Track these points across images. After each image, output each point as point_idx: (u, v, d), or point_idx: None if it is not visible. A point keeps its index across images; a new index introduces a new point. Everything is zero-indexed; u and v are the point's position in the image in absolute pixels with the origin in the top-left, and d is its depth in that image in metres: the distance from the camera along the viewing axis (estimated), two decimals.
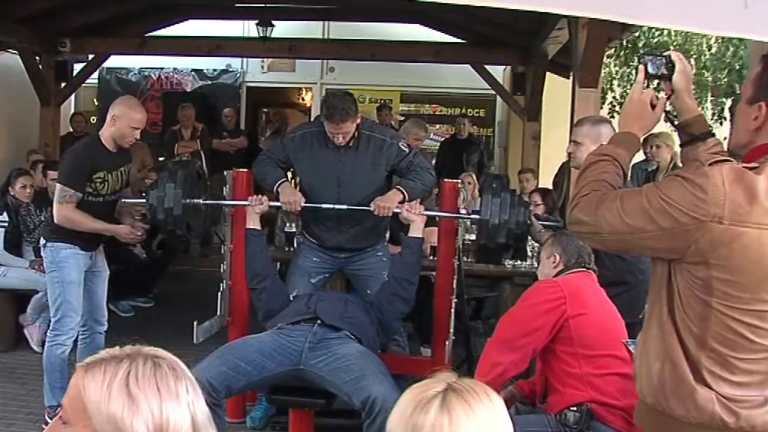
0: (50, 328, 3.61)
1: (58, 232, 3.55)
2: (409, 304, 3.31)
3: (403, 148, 3.54)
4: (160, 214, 3.37)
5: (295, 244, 4.70)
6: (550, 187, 6.22)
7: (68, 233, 3.53)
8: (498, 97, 8.48)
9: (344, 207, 3.46)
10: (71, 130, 8.12)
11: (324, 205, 3.49)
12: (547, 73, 7.17)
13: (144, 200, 3.46)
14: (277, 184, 3.55)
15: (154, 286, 6.48)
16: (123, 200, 3.69)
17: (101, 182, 3.55)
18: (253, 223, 3.44)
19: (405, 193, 3.45)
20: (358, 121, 3.43)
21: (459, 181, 3.73)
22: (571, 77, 5.18)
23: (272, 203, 3.50)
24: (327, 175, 3.51)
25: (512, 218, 3.27)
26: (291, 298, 3.41)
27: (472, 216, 3.50)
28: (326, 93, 3.56)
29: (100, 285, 3.73)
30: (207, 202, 3.58)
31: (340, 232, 3.60)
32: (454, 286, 3.55)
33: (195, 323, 3.46)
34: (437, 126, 9.78)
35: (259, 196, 3.50)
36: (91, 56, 7.89)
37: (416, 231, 3.38)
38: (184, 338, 3.47)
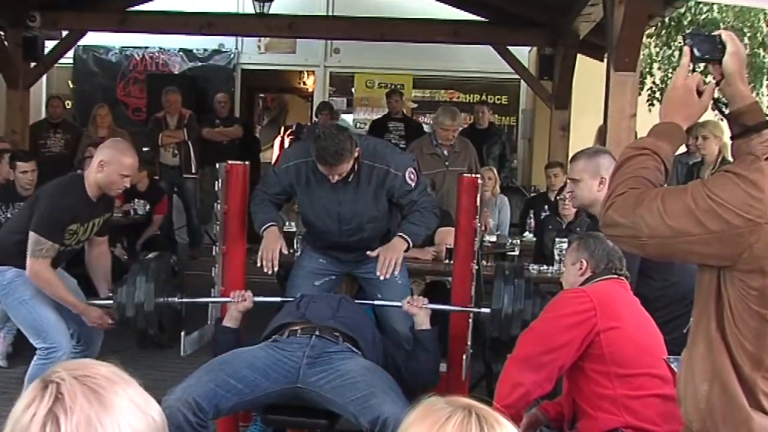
0: (38, 353, 3.57)
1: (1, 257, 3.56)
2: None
3: (409, 182, 3.52)
4: (130, 310, 3.33)
5: (296, 245, 4.71)
6: None
7: (9, 258, 3.54)
8: (522, 82, 8.46)
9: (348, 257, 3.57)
10: (46, 115, 8.15)
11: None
12: (579, 55, 7.15)
13: (110, 301, 3.47)
14: (263, 228, 3.54)
15: None
16: (89, 301, 3.66)
17: (71, 235, 3.53)
18: (230, 321, 3.40)
19: (408, 241, 3.50)
20: (356, 155, 3.37)
21: (478, 176, 3.69)
22: (606, 60, 5.16)
23: (257, 299, 3.45)
24: (326, 213, 3.54)
25: (527, 309, 3.24)
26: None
27: (482, 310, 3.44)
28: (318, 130, 3.46)
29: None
30: (183, 300, 3.56)
31: (345, 253, 3.69)
32: (472, 293, 3.54)
33: (182, 333, 3.45)
34: None
35: (242, 292, 3.43)
36: (65, 33, 7.90)
37: (423, 324, 3.36)
38: (170, 350, 3.48)
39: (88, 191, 3.52)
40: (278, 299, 3.70)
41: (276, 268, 3.50)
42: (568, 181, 3.16)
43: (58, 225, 3.46)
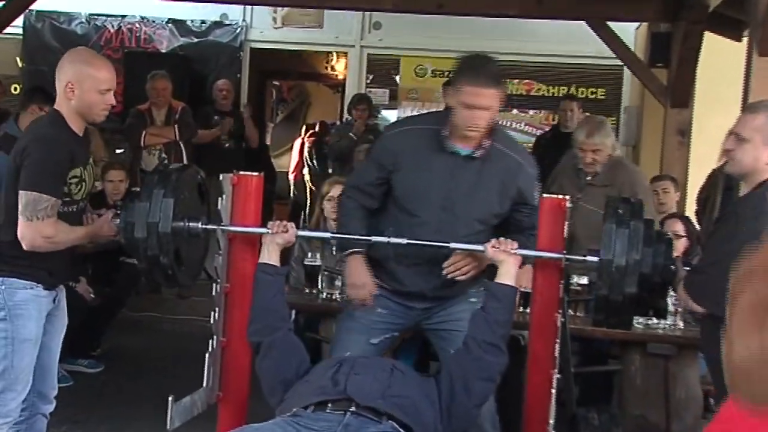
0: None
1: (16, 262, 3.60)
2: (494, 381, 3.34)
3: (536, 196, 3.72)
4: (140, 230, 3.43)
5: (321, 283, 4.78)
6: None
7: (30, 263, 3.59)
8: (626, 70, 8.48)
9: (449, 245, 3.59)
10: None
11: (395, 240, 3.64)
12: (706, 34, 7.13)
13: (116, 219, 3.61)
14: (346, 253, 3.76)
15: (100, 341, 6.59)
16: (87, 214, 3.82)
17: (77, 183, 3.64)
18: (270, 255, 3.56)
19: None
20: (497, 111, 3.60)
21: (566, 198, 3.74)
22: (746, 40, 5.14)
23: (303, 233, 3.61)
24: (432, 189, 3.68)
25: (647, 259, 3.27)
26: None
27: (588, 258, 3.51)
28: (463, 60, 3.65)
29: (55, 338, 3.81)
30: (208, 226, 3.67)
31: (429, 273, 3.72)
32: (556, 353, 3.55)
33: (170, 399, 3.52)
34: (531, 113, 9.80)
35: (284, 222, 3.60)
36: None
37: (507, 276, 3.44)
38: (152, 422, 3.54)
39: (71, 124, 3.62)
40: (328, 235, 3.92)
41: (370, 301, 3.73)
42: (731, 137, 3.16)
43: (58, 171, 3.54)
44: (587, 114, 8.50)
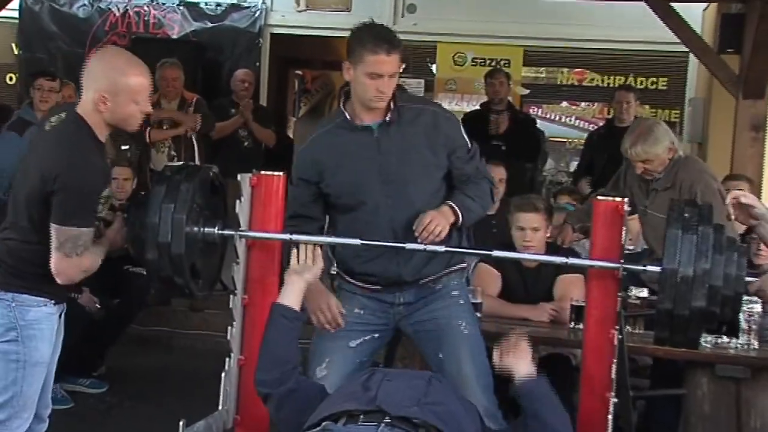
0: None
1: (26, 276, 3.59)
2: None
3: (465, 137, 3.93)
4: (151, 251, 3.46)
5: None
6: None
7: (43, 276, 3.57)
8: (692, 56, 8.44)
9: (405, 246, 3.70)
10: None
11: (350, 241, 3.78)
12: None
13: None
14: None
15: (104, 359, 6.61)
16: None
17: (104, 202, 3.68)
18: (293, 296, 3.51)
19: (458, 213, 3.79)
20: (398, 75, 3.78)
21: (624, 200, 3.71)
22: None
23: (329, 239, 3.78)
24: (364, 173, 3.82)
25: (717, 269, 3.25)
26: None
27: (650, 267, 3.49)
28: (356, 31, 3.84)
29: (54, 355, 3.82)
30: (225, 232, 3.68)
31: (398, 254, 3.82)
32: (613, 374, 3.55)
33: (181, 423, 3.53)
34: (582, 105, 9.80)
35: (313, 249, 3.60)
36: None
37: (524, 371, 3.38)
38: None
39: (98, 134, 3.61)
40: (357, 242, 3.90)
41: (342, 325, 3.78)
42: None
43: (94, 200, 3.54)
44: (643, 108, 8.51)
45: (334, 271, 5.10)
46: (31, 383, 3.65)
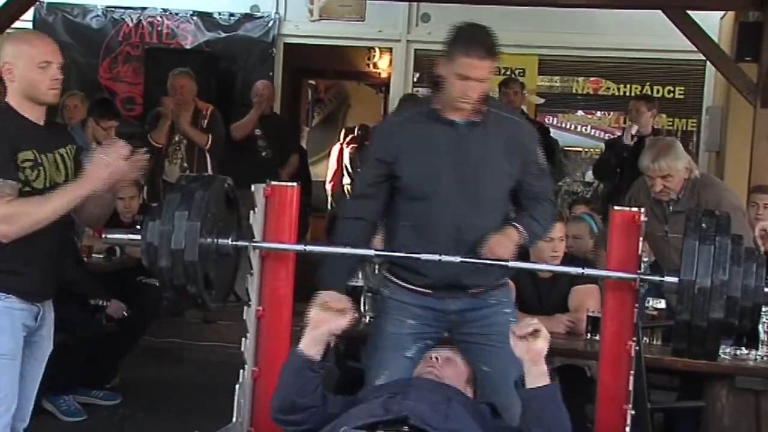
0: None
1: None
2: None
3: (540, 155, 3.98)
4: (164, 260, 3.45)
5: (363, 306, 4.82)
6: None
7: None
8: (709, 65, 8.41)
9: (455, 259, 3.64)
10: None
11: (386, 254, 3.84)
12: None
13: (137, 235, 3.57)
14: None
15: (117, 370, 6.63)
16: (105, 236, 3.82)
17: (32, 167, 3.64)
18: (315, 346, 3.37)
19: (526, 239, 3.87)
20: (489, 82, 3.85)
21: (641, 210, 3.71)
22: None
23: (343, 250, 3.75)
24: (441, 165, 3.86)
25: (736, 280, 3.24)
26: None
27: (667, 278, 3.45)
28: (457, 29, 3.85)
29: (34, 367, 3.83)
30: (239, 243, 3.67)
31: (455, 257, 3.78)
32: (630, 387, 3.54)
33: None
34: (598, 114, 9.79)
35: (340, 299, 3.44)
36: None
37: (538, 376, 3.27)
38: None
39: (23, 112, 3.67)
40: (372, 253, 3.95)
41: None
42: None
43: (2, 156, 3.55)
44: (660, 117, 8.48)
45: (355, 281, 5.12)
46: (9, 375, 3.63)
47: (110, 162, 3.62)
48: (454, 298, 3.91)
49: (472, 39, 3.76)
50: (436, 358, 3.62)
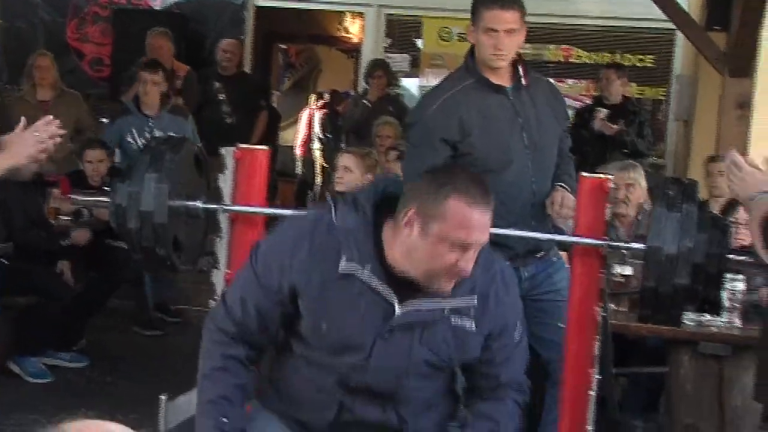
0: None
1: None
2: None
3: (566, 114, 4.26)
4: (132, 221, 3.45)
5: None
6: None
7: None
8: (678, 33, 8.45)
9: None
10: None
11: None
12: None
13: (105, 198, 3.57)
14: None
15: (83, 333, 6.62)
16: (73, 197, 3.81)
17: None
18: None
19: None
20: (521, 37, 3.96)
21: (609, 177, 3.73)
22: None
23: None
24: (508, 134, 3.94)
25: (700, 247, 3.28)
26: None
27: (634, 245, 3.52)
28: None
29: None
30: (209, 205, 3.68)
31: (533, 218, 4.01)
32: (596, 352, 3.58)
33: (163, 398, 3.54)
34: (569, 83, 9.76)
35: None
36: None
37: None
38: (142, 423, 3.56)
39: None
40: None
41: None
42: None
43: None
44: (630, 86, 8.51)
45: None
46: None
47: (43, 139, 3.54)
48: (525, 265, 4.01)
49: None
50: None
